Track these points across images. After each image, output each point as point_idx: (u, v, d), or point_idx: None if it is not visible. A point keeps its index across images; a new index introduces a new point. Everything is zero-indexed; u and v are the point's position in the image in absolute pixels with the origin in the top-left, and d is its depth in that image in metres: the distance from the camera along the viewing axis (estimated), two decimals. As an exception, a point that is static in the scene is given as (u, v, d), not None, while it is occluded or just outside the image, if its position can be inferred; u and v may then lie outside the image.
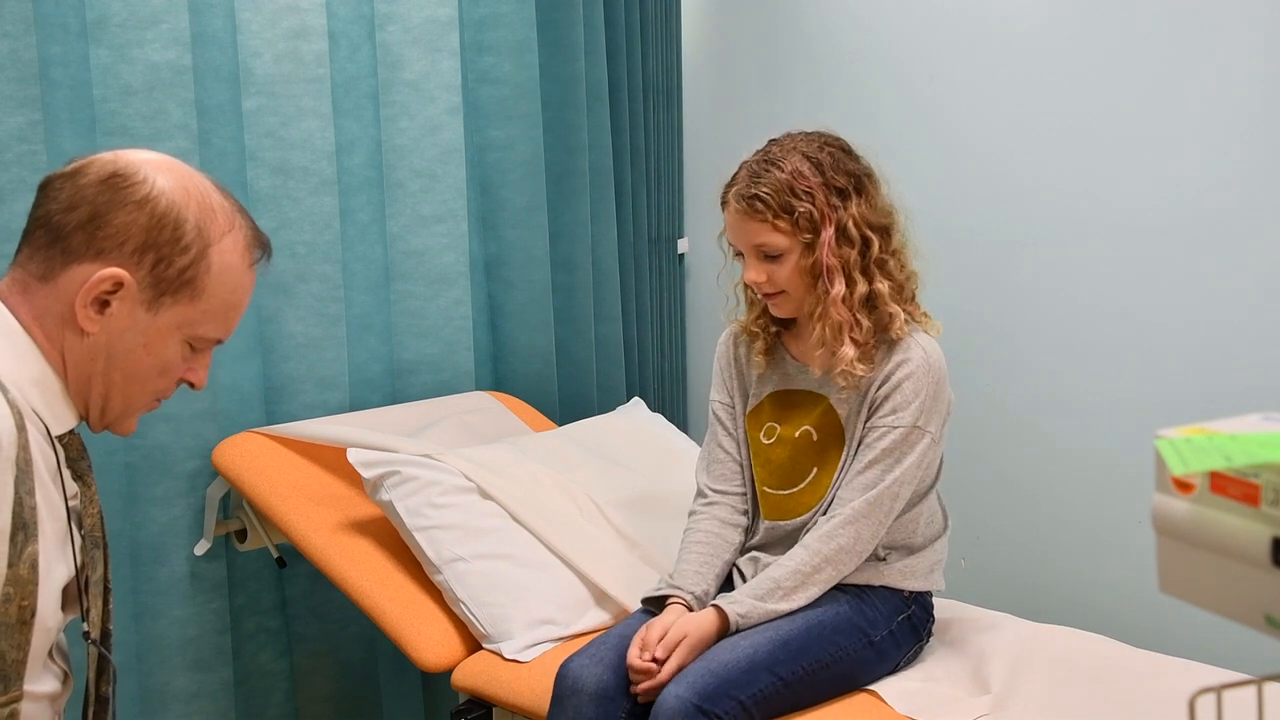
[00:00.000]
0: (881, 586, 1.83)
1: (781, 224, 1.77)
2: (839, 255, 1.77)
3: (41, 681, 1.24)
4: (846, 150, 1.83)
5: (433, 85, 2.51)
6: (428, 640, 1.96)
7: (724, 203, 1.84)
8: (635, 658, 1.69)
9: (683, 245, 3.14)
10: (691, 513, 1.95)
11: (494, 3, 2.63)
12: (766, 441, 1.89)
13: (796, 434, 1.86)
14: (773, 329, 1.91)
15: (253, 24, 2.29)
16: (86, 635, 1.30)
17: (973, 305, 2.55)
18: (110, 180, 1.22)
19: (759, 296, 1.86)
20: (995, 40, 2.49)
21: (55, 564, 1.22)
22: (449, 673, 1.96)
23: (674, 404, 3.11)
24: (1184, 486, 0.74)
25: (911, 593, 1.85)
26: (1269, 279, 2.14)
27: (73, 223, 1.21)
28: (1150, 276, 2.29)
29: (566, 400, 2.80)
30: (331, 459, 2.21)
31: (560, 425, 2.58)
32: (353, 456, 2.07)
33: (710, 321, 2.98)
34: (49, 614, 1.21)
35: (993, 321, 2.54)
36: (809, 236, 1.77)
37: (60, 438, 1.28)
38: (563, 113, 2.75)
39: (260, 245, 1.31)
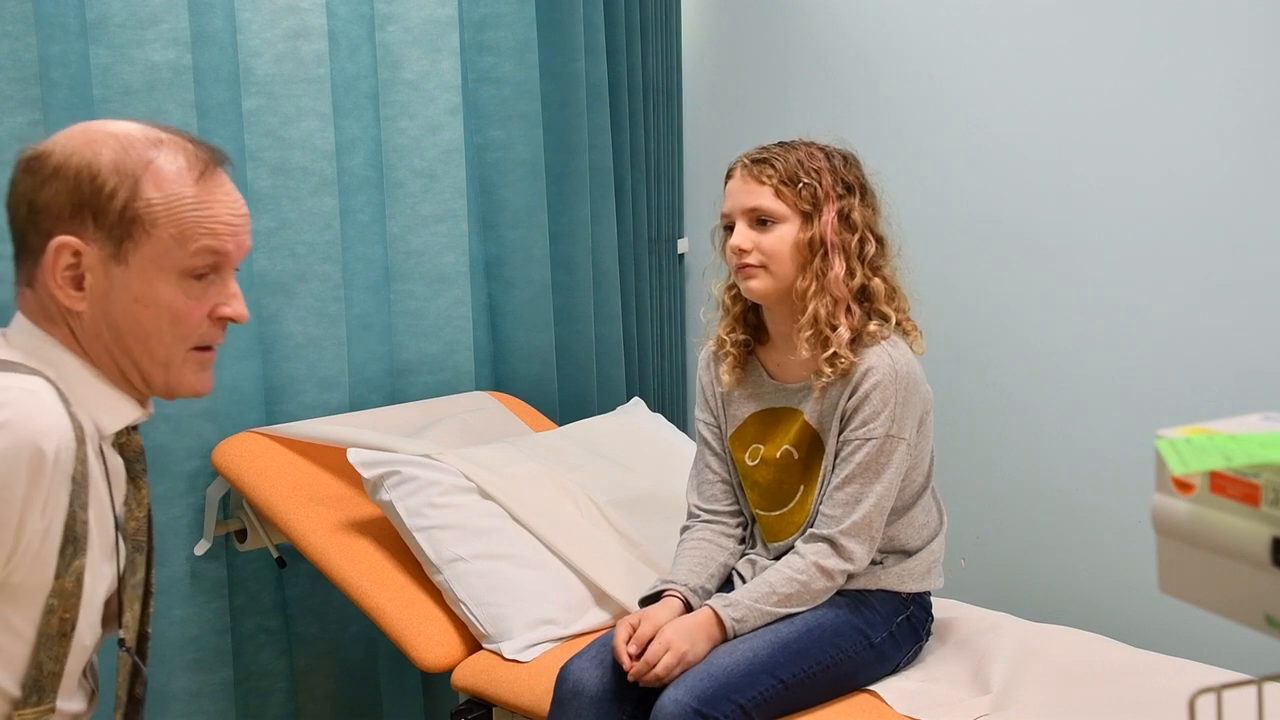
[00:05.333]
0: (880, 590, 1.82)
1: (784, 191, 1.77)
2: (841, 237, 1.77)
3: (72, 700, 1.25)
4: (860, 164, 1.85)
5: (433, 85, 2.51)
6: (428, 640, 1.96)
7: (729, 174, 1.84)
8: (622, 644, 1.68)
9: (683, 245, 3.14)
10: (684, 529, 1.95)
11: (494, 3, 2.63)
12: (751, 463, 1.88)
13: (778, 454, 1.84)
14: (743, 338, 1.89)
15: (253, 24, 2.29)
16: (121, 642, 1.30)
17: (973, 304, 2.55)
18: (27, 166, 1.23)
19: (735, 274, 1.82)
20: (998, 39, 2.49)
21: (100, 580, 1.23)
22: (449, 673, 1.96)
23: (674, 404, 3.11)
24: (1184, 486, 0.74)
25: (910, 594, 1.85)
26: (1271, 278, 2.14)
27: (19, 222, 1.23)
28: (1153, 275, 2.29)
29: (566, 400, 2.80)
30: (331, 459, 2.21)
31: (560, 425, 2.58)
32: (353, 456, 2.07)
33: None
34: (87, 631, 1.22)
35: (993, 320, 2.54)
36: (808, 208, 1.76)
37: (119, 436, 1.28)
38: (563, 113, 2.75)
39: (205, 156, 1.26)
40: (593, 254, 2.83)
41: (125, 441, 1.30)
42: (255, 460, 2.18)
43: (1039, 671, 1.78)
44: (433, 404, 2.49)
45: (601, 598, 2.04)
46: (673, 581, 1.81)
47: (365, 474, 2.06)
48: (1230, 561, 0.71)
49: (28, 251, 1.23)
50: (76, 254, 1.20)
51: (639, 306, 3.00)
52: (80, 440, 1.15)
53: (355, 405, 2.47)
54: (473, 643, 1.99)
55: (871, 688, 1.77)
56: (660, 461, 2.37)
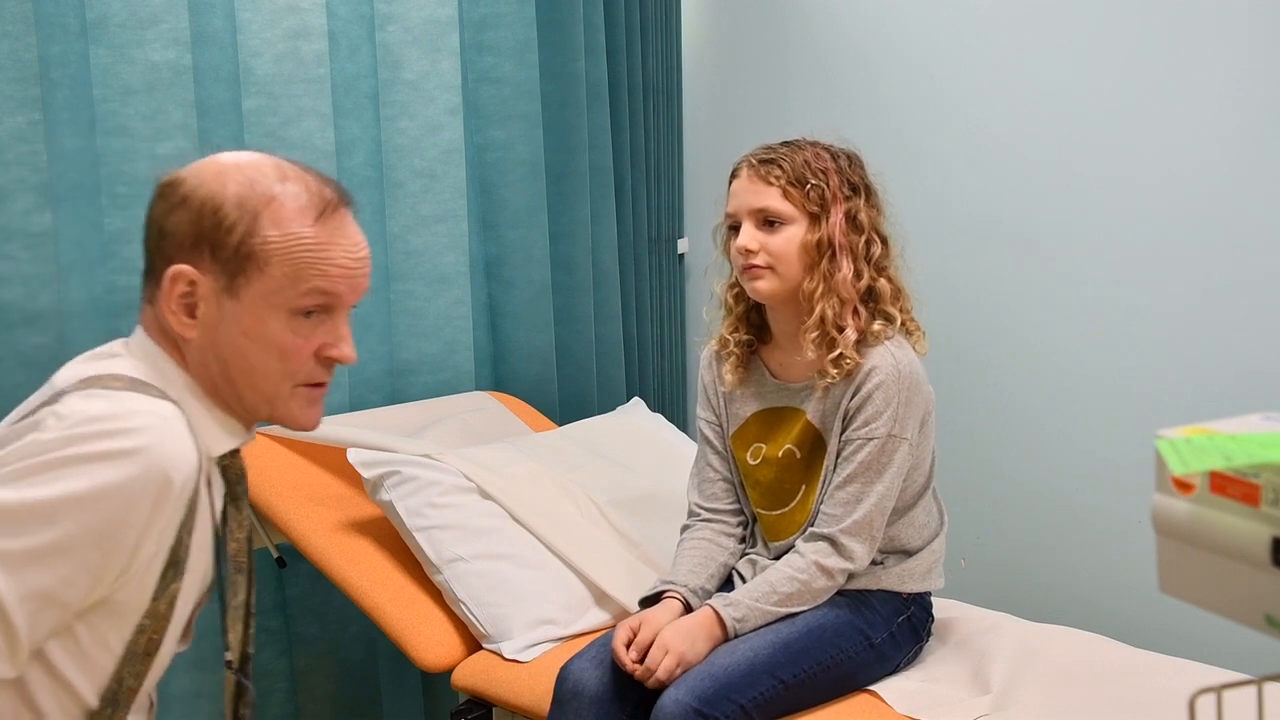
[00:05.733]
0: (880, 590, 1.82)
1: (792, 191, 1.76)
2: (848, 238, 1.77)
3: (138, 714, 1.27)
4: (864, 163, 1.84)
5: (433, 85, 2.51)
6: (428, 640, 1.96)
7: (734, 174, 1.83)
8: (621, 646, 1.68)
9: (683, 245, 3.14)
10: (684, 528, 1.95)
11: (494, 3, 2.63)
12: (753, 462, 1.88)
13: (780, 453, 1.84)
14: (746, 337, 1.89)
15: (253, 24, 2.29)
16: (229, 664, 1.34)
17: (973, 304, 2.55)
18: (160, 193, 1.25)
19: (740, 275, 1.81)
20: (998, 39, 2.49)
21: (189, 601, 1.26)
22: (449, 673, 1.96)
23: (674, 404, 3.11)
24: (1184, 486, 0.74)
25: (911, 594, 1.85)
26: (1271, 278, 2.14)
27: (150, 246, 1.25)
28: (1153, 275, 2.29)
29: (566, 400, 2.80)
30: (331, 459, 2.21)
31: (560, 425, 2.58)
32: (353, 456, 2.07)
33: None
34: (167, 652, 1.25)
35: (993, 320, 2.54)
36: (816, 209, 1.76)
37: (223, 459, 1.29)
38: (563, 113, 2.75)
39: (330, 196, 1.25)
40: (593, 254, 2.83)
41: (228, 464, 1.31)
42: (255, 460, 2.17)
43: (1039, 671, 1.78)
44: (433, 404, 2.49)
45: (601, 598, 2.04)
46: (673, 582, 1.81)
47: (365, 474, 2.06)
48: (1230, 561, 0.71)
49: (152, 273, 1.25)
50: (192, 283, 1.22)
51: (639, 306, 3.00)
52: (200, 469, 1.17)
53: (355, 405, 2.47)
54: (473, 643, 1.99)
55: (872, 688, 1.77)
56: (660, 461, 2.37)
